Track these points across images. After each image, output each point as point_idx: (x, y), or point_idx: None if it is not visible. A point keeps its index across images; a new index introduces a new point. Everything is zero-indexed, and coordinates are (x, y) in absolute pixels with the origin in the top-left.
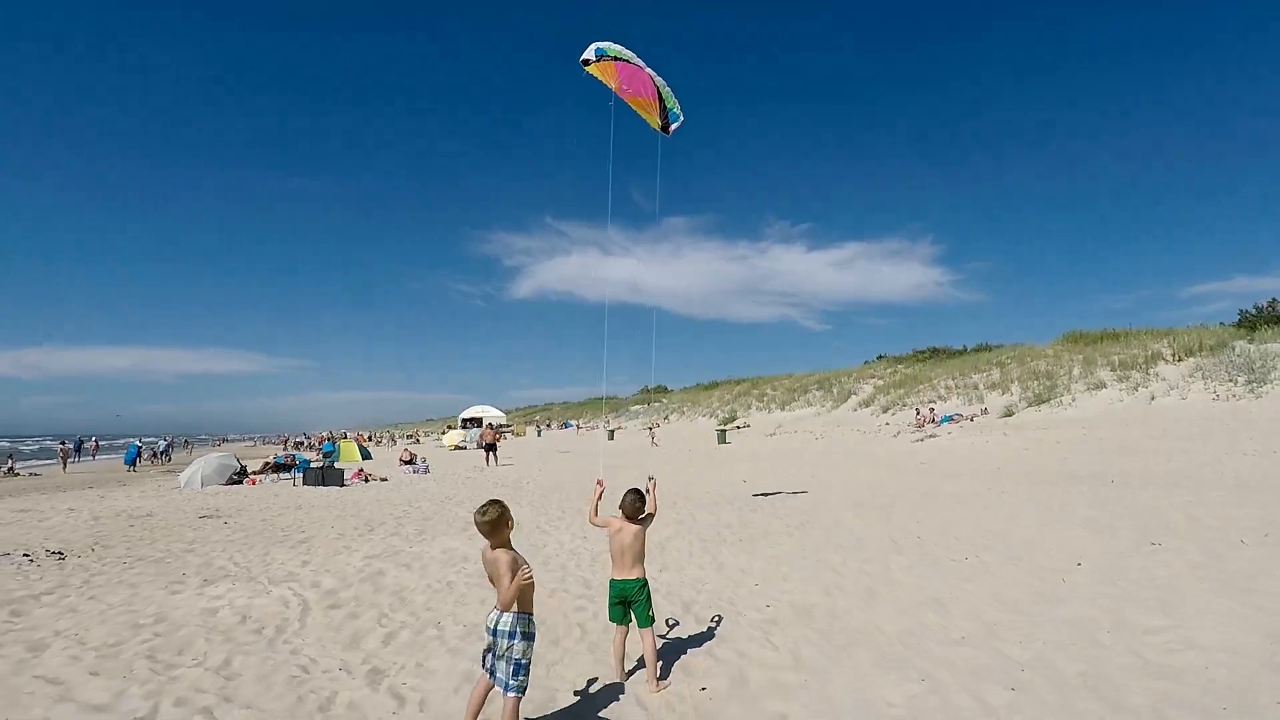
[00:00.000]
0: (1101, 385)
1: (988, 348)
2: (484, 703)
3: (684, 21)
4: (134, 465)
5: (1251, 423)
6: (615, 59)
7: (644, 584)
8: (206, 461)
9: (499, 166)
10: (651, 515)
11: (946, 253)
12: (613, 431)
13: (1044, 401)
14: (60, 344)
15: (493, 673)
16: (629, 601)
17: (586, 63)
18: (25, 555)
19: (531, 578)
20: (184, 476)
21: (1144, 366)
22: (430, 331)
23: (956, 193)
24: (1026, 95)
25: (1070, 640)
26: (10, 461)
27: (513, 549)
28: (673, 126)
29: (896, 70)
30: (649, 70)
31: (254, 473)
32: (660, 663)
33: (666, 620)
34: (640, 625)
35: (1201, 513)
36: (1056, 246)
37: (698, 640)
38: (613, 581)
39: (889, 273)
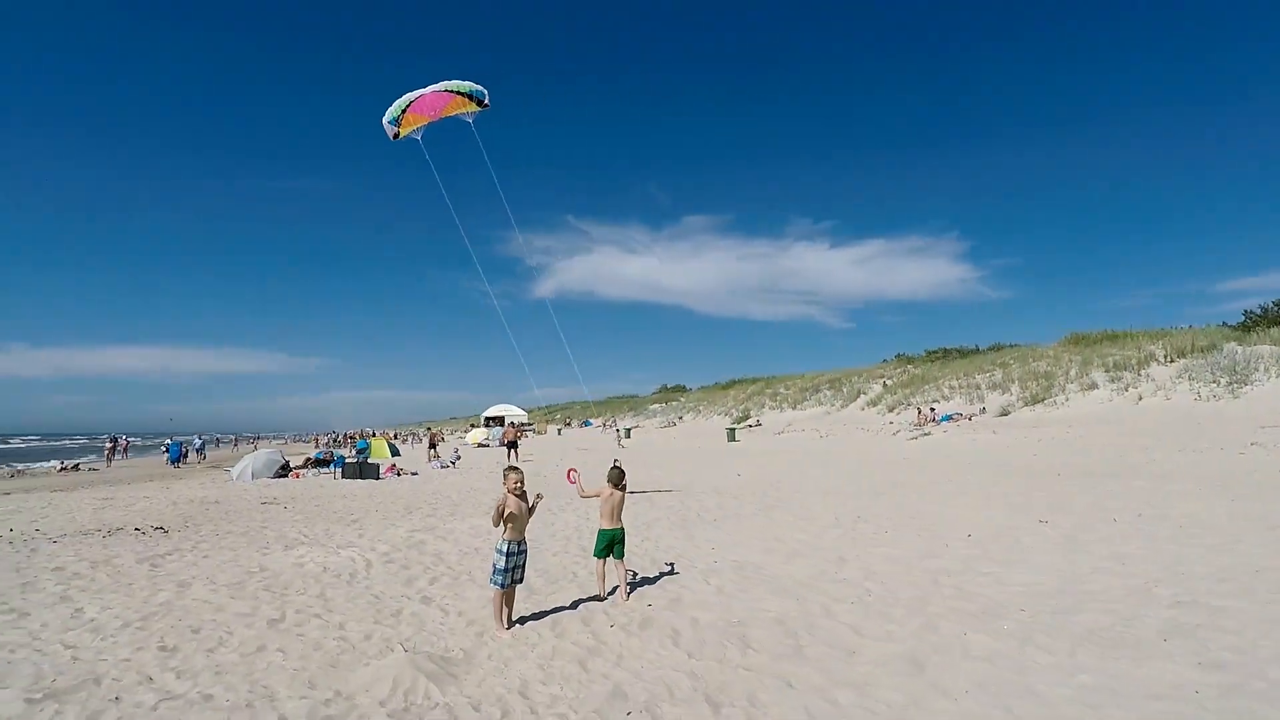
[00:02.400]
0: (1094, 386)
1: (999, 348)
2: (503, 604)
3: (705, 20)
4: (178, 462)
5: (1224, 421)
6: (405, 110)
7: (623, 530)
8: (255, 457)
9: (521, 166)
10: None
11: (973, 249)
12: (629, 430)
13: (1039, 401)
14: (84, 344)
15: None
16: (615, 542)
17: (396, 136)
18: (136, 529)
19: (498, 510)
20: (236, 470)
21: (1136, 368)
22: (453, 331)
23: (984, 188)
24: (1055, 87)
25: (918, 579)
26: (68, 460)
27: (513, 496)
28: (486, 99)
29: (923, 65)
30: (430, 88)
31: (296, 468)
32: (628, 588)
33: (633, 572)
34: (617, 558)
35: (1109, 499)
36: (1087, 241)
37: (655, 581)
38: (604, 530)
39: (912, 270)
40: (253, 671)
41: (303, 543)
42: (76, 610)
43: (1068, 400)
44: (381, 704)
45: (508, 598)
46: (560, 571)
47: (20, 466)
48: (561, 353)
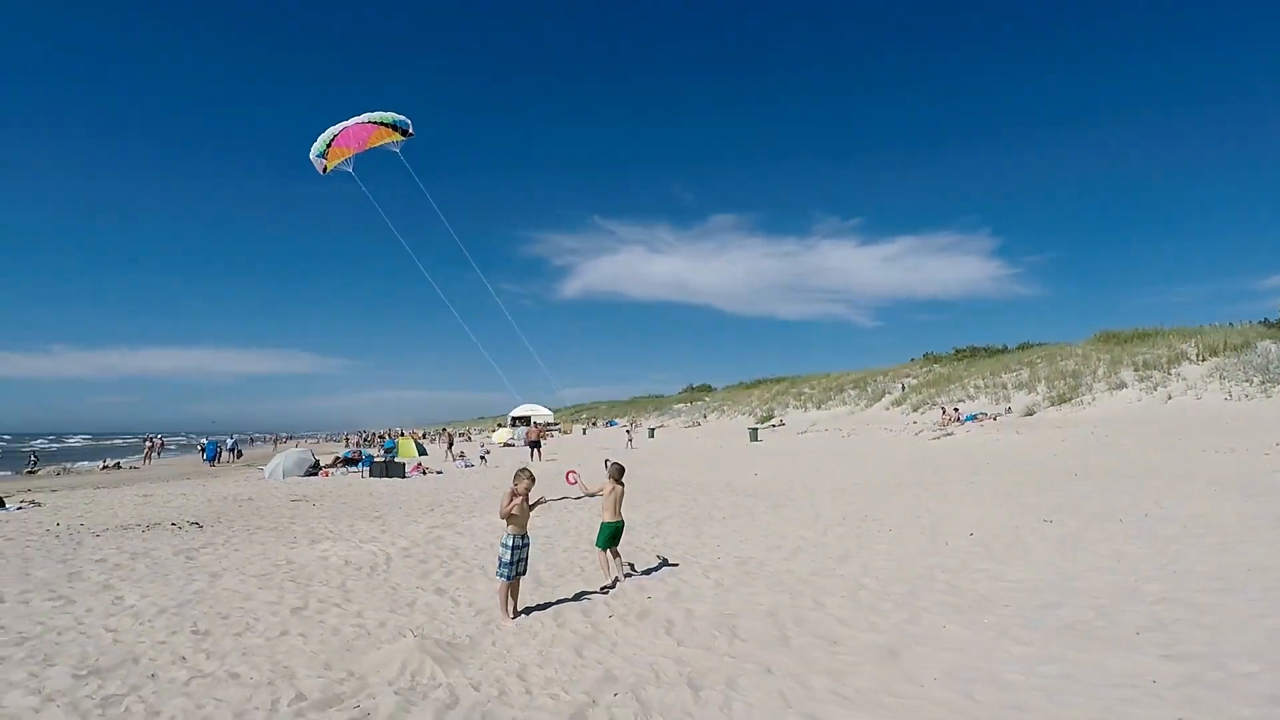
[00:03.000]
0: (1123, 385)
1: (1029, 346)
2: (509, 595)
3: (729, 19)
4: (214, 461)
5: (1253, 422)
6: (330, 144)
7: (624, 522)
8: (286, 456)
9: (547, 167)
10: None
11: (1005, 245)
12: (653, 430)
13: (1065, 401)
14: (125, 346)
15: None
16: (618, 533)
17: (325, 170)
18: (173, 524)
19: (518, 508)
20: (268, 469)
21: (1166, 367)
22: (480, 331)
23: (1016, 183)
24: (1089, 80)
25: (913, 575)
26: (109, 460)
27: (517, 493)
28: (410, 129)
29: (952, 59)
30: (353, 120)
31: (326, 466)
32: (626, 574)
33: (631, 564)
34: (615, 545)
35: (1120, 498)
36: (1124, 237)
37: (658, 575)
38: (608, 523)
39: (943, 267)
40: (275, 653)
41: (328, 538)
42: (117, 598)
43: (1095, 400)
44: (390, 683)
45: (513, 589)
46: (568, 566)
47: (66, 465)
48: (584, 353)
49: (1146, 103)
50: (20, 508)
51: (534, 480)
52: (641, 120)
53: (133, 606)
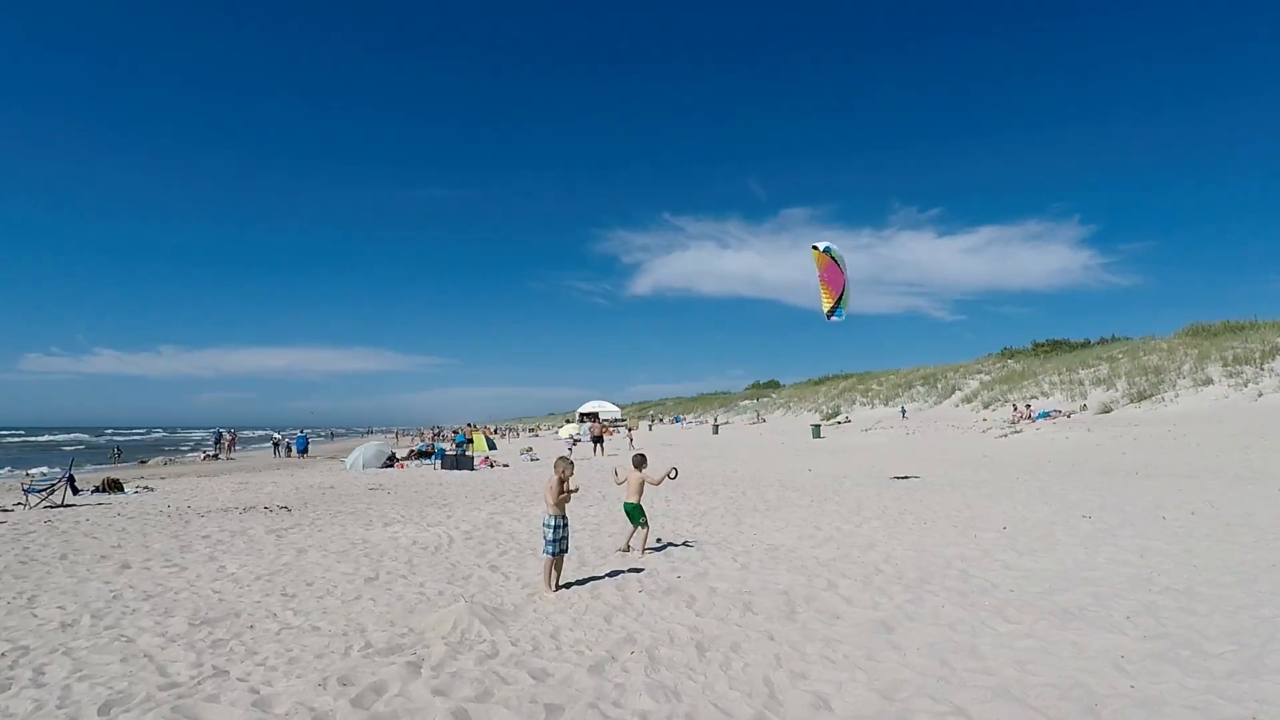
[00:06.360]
0: (1209, 381)
1: (1111, 340)
2: (552, 569)
3: (796, 7)
4: (304, 453)
5: None
6: (832, 258)
7: (640, 505)
8: (366, 448)
9: (617, 164)
10: (651, 480)
11: (1098, 233)
12: (717, 426)
13: (1146, 398)
14: (231, 346)
15: None
16: (635, 511)
17: (815, 247)
18: (265, 508)
19: (555, 494)
20: (349, 460)
21: (1259, 361)
22: (553, 329)
23: (1108, 168)
24: (1187, 55)
25: (930, 563)
26: (207, 450)
27: (560, 478)
28: (834, 319)
29: (1036, 37)
30: (846, 274)
31: (402, 459)
32: (651, 551)
33: (658, 539)
34: (634, 524)
35: (1172, 497)
36: (1229, 222)
37: (691, 558)
38: (626, 503)
39: (1029, 258)
40: (350, 613)
41: (399, 521)
42: (220, 567)
43: (1178, 397)
44: (443, 638)
45: (556, 564)
46: (612, 548)
47: (171, 456)
48: (656, 350)
49: (1250, 81)
50: (137, 492)
51: (572, 465)
52: (711, 115)
53: (233, 574)
